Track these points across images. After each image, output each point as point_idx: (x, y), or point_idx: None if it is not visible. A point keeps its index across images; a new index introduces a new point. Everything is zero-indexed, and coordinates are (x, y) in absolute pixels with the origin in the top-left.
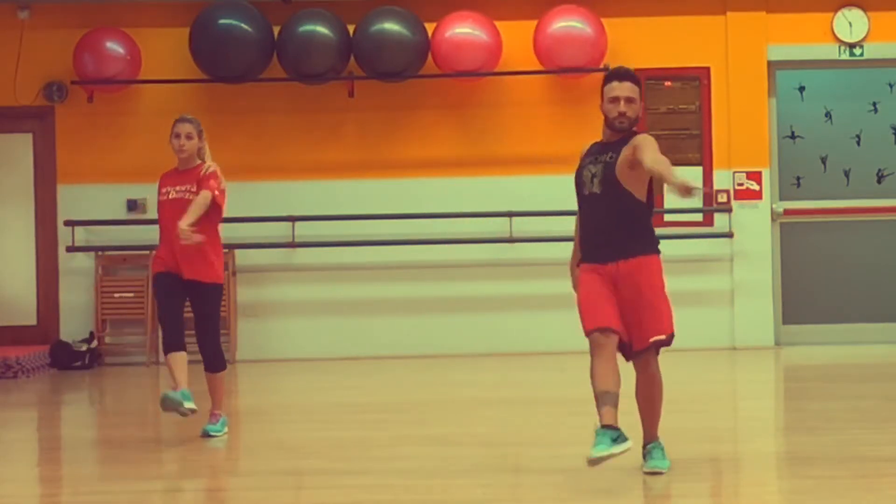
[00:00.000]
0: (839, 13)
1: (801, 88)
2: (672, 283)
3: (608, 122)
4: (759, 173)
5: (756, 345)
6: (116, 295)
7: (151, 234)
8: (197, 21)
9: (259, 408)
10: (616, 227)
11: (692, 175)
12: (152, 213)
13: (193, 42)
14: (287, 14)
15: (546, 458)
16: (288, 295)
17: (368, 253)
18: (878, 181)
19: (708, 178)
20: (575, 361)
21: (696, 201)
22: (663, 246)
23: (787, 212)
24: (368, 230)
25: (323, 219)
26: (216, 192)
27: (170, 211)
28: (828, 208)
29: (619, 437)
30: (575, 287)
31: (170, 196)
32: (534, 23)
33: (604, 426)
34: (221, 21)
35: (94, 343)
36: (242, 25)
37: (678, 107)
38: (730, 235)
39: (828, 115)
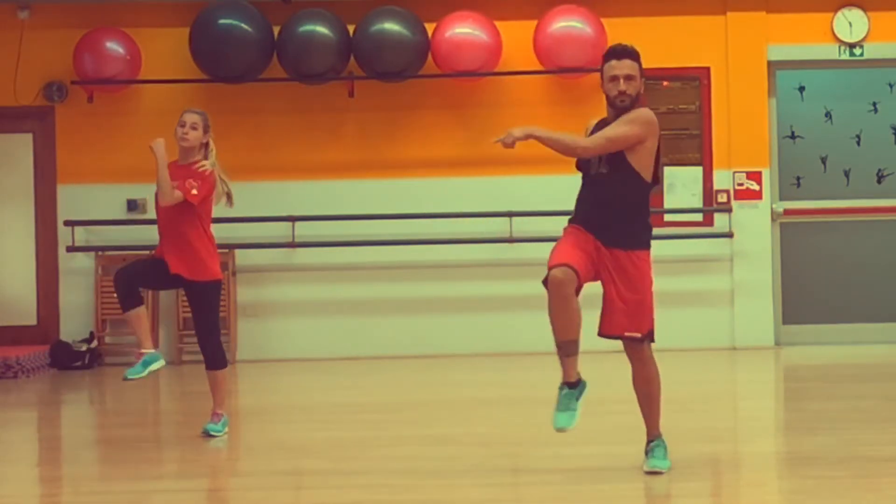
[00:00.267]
0: (839, 13)
1: (801, 88)
2: (672, 283)
3: (609, 101)
4: (759, 173)
5: (756, 345)
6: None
7: (151, 234)
8: (197, 21)
9: (259, 408)
10: (618, 214)
11: (692, 175)
12: (152, 213)
13: (193, 42)
14: (287, 14)
15: (546, 458)
16: (288, 295)
17: (368, 253)
18: (878, 181)
19: (708, 177)
20: None
21: (696, 201)
22: (663, 246)
23: (787, 212)
24: (368, 230)
25: (323, 219)
26: (191, 193)
27: (165, 209)
28: (828, 208)
29: (580, 393)
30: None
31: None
32: (534, 23)
33: (568, 384)
34: (221, 21)
35: (94, 343)
36: (242, 25)
37: (678, 107)
38: (730, 235)
39: (828, 115)
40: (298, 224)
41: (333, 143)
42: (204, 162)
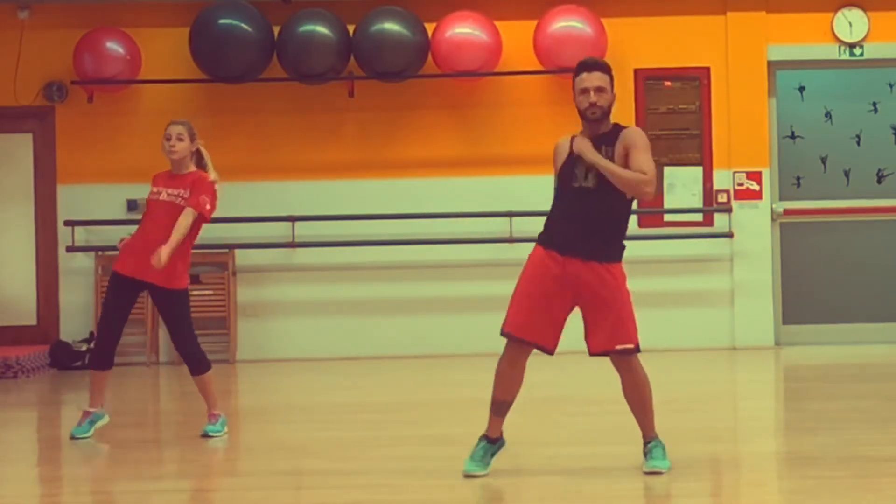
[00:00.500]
0: (839, 13)
1: (801, 88)
2: (672, 283)
3: (581, 114)
4: (759, 173)
5: (756, 345)
6: None
7: None
8: (197, 21)
9: (259, 408)
10: (598, 226)
11: (692, 175)
12: None
13: (193, 42)
14: (287, 14)
15: (546, 458)
16: (288, 295)
17: (368, 253)
18: (878, 181)
19: (708, 177)
20: (575, 361)
21: (696, 201)
22: (663, 246)
23: (787, 212)
24: (368, 230)
25: (323, 219)
26: (205, 208)
27: (158, 212)
28: (828, 208)
29: (497, 449)
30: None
31: (161, 197)
32: (534, 23)
33: (488, 438)
34: (221, 21)
35: (94, 343)
36: (242, 25)
37: (678, 107)
38: (730, 235)
39: (828, 115)
40: (298, 224)
41: (333, 143)
42: (215, 176)
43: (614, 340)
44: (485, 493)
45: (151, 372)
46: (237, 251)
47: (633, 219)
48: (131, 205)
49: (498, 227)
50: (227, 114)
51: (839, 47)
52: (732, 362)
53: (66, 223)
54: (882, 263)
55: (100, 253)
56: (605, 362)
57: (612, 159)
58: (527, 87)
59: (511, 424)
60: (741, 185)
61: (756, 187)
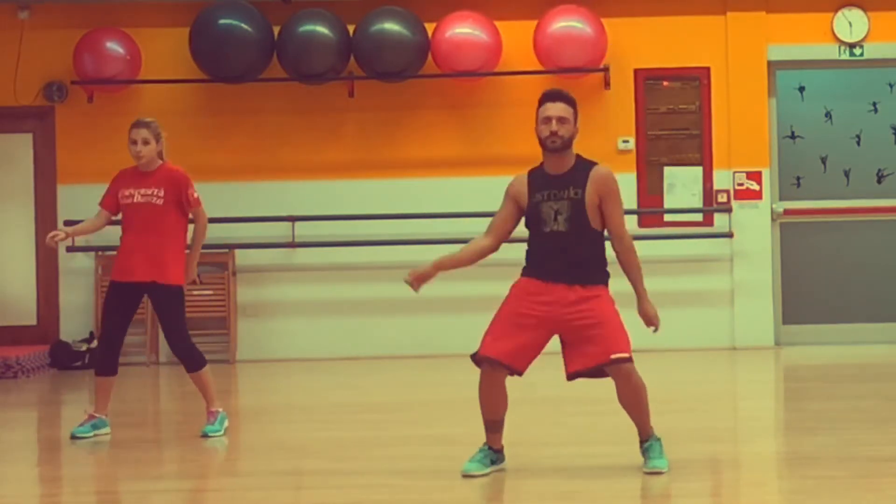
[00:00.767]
0: (839, 13)
1: (801, 88)
2: (672, 283)
3: (541, 143)
4: (759, 173)
5: (756, 345)
6: None
7: None
8: (197, 21)
9: (259, 408)
10: (577, 261)
11: (692, 175)
12: None
13: (193, 42)
14: (287, 14)
15: (546, 457)
16: (288, 295)
17: (369, 253)
18: (878, 181)
19: (708, 177)
20: None
21: (696, 201)
22: (663, 246)
23: (787, 212)
24: (368, 230)
25: (323, 219)
26: (196, 198)
27: (136, 216)
28: (828, 208)
29: (497, 459)
30: (413, 277)
31: (135, 199)
32: (534, 23)
33: (491, 448)
34: (221, 21)
35: (94, 343)
36: (242, 25)
37: (678, 107)
38: (730, 235)
39: (828, 115)
40: (298, 224)
41: (333, 143)
42: (175, 167)
43: (609, 351)
44: (485, 493)
45: (151, 372)
46: (237, 251)
47: (633, 219)
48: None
49: None
50: (227, 114)
51: (839, 47)
52: (732, 362)
53: (66, 223)
54: (882, 263)
55: (100, 253)
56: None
57: (581, 201)
58: (527, 87)
59: (511, 424)
60: (741, 185)
61: (756, 187)
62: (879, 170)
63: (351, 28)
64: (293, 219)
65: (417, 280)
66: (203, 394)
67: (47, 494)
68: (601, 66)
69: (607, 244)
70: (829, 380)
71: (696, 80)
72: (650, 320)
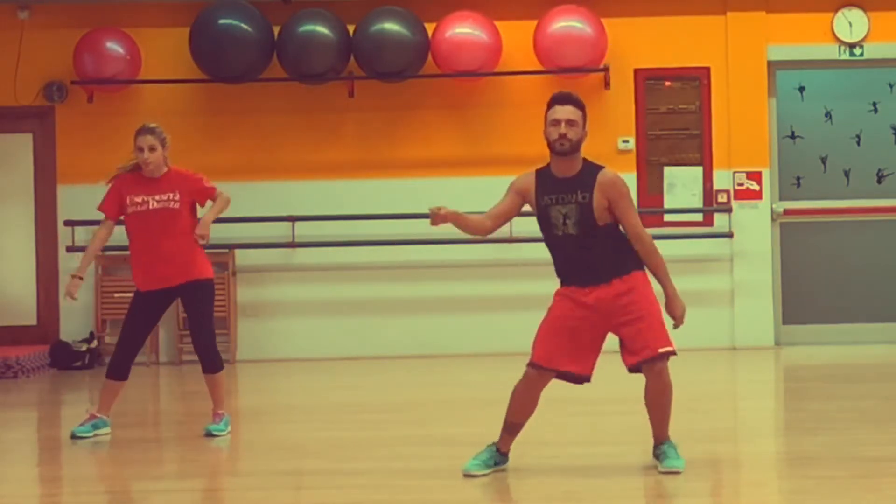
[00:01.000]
0: (839, 13)
1: (801, 88)
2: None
3: (550, 146)
4: (759, 173)
5: (756, 345)
6: (116, 295)
7: None
8: (197, 21)
9: (259, 408)
10: (601, 258)
11: (692, 175)
12: None
13: (193, 42)
14: (287, 14)
15: (546, 457)
16: (288, 295)
17: (368, 253)
18: (878, 181)
19: (708, 177)
20: None
21: (696, 201)
22: (663, 246)
23: (787, 212)
24: (368, 230)
25: (323, 219)
26: (210, 185)
27: (153, 221)
28: (828, 208)
29: (501, 461)
30: (437, 215)
31: (150, 206)
32: (534, 23)
33: (498, 449)
34: (221, 21)
35: (94, 343)
36: (242, 25)
37: (678, 107)
38: (730, 235)
39: (828, 115)
40: (298, 224)
41: (333, 143)
42: (185, 170)
43: (656, 345)
44: (485, 493)
45: (151, 372)
46: (237, 251)
47: None
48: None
49: None
50: (227, 114)
51: (839, 47)
52: (732, 362)
53: (66, 223)
54: (882, 263)
55: (100, 253)
56: (606, 362)
57: (589, 205)
58: (527, 87)
59: None
60: (741, 185)
61: (756, 187)
62: (879, 170)
63: (351, 28)
64: (293, 219)
65: (440, 217)
66: (213, 396)
67: (47, 494)
68: (601, 66)
69: None
70: (829, 380)
71: (696, 80)
72: (678, 320)
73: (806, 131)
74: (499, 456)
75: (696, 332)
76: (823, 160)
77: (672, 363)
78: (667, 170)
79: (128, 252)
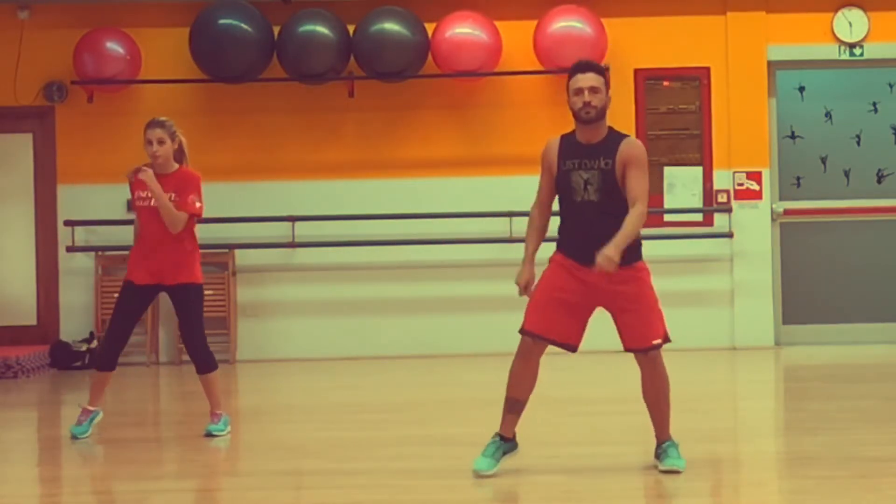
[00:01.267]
0: (839, 13)
1: (801, 88)
2: (672, 283)
3: (575, 115)
4: (759, 173)
5: (756, 345)
6: (116, 295)
7: None
8: (197, 21)
9: (259, 408)
10: (610, 233)
11: (692, 175)
12: None
13: (193, 42)
14: (287, 14)
15: (546, 457)
16: (288, 295)
17: (368, 253)
18: (878, 181)
19: (708, 177)
20: (575, 362)
21: (696, 201)
22: (663, 246)
23: (787, 212)
24: (368, 230)
25: (323, 219)
26: (195, 207)
27: (151, 217)
28: (828, 208)
29: (508, 449)
30: (522, 282)
31: (151, 203)
32: (534, 23)
33: (501, 436)
34: (221, 21)
35: (94, 343)
36: (242, 25)
37: (678, 107)
38: (730, 235)
39: (828, 115)
40: (298, 224)
41: (333, 143)
42: (193, 171)
43: (649, 337)
44: (485, 493)
45: (151, 372)
46: (237, 251)
47: None
48: (131, 205)
49: (498, 227)
50: (227, 114)
51: (839, 47)
52: (732, 362)
53: (66, 223)
54: (882, 263)
55: (100, 253)
56: (606, 362)
57: (612, 172)
58: (527, 87)
59: None
60: (741, 185)
61: (756, 187)
62: (879, 170)
63: (351, 28)
64: (293, 219)
65: (527, 289)
66: (209, 397)
67: (47, 494)
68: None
69: None
70: (829, 380)
71: (696, 80)
72: (602, 260)
73: (806, 131)
74: (504, 444)
75: (696, 332)
76: (823, 160)
77: (672, 363)
78: (667, 170)
79: (126, 253)
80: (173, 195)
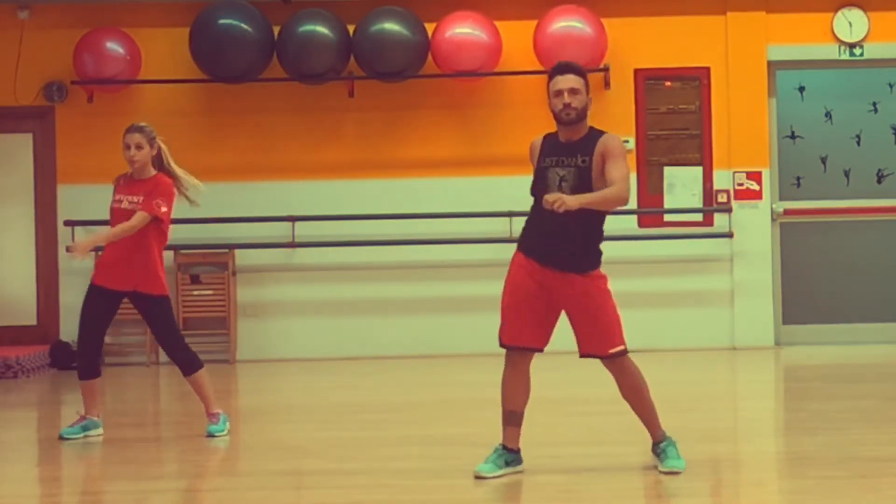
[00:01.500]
0: (839, 13)
1: (801, 88)
2: (672, 283)
3: (556, 117)
4: (759, 173)
5: (756, 345)
6: None
7: None
8: (197, 21)
9: (259, 408)
10: (575, 239)
11: (692, 175)
12: None
13: (193, 42)
14: (287, 14)
15: (546, 458)
16: (288, 295)
17: (368, 253)
18: (878, 181)
19: (708, 177)
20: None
21: (696, 201)
22: (663, 246)
23: (787, 212)
24: (368, 230)
25: (323, 219)
26: (160, 211)
27: (120, 220)
28: (828, 208)
29: (513, 461)
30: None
31: (122, 205)
32: (534, 23)
33: (504, 447)
34: (221, 21)
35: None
36: (242, 25)
37: (678, 107)
38: (730, 235)
39: (828, 115)
40: (298, 224)
41: (333, 143)
42: (181, 172)
43: (605, 346)
44: (485, 493)
45: (151, 372)
46: (237, 251)
47: (633, 219)
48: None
49: (498, 227)
50: (227, 114)
51: (839, 47)
52: (732, 362)
53: (66, 223)
54: (882, 263)
55: (100, 253)
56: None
57: (588, 170)
58: (527, 87)
59: None
60: (741, 185)
61: (756, 187)
62: (879, 170)
63: (351, 28)
64: (293, 219)
65: None
66: (201, 397)
67: (47, 494)
68: (601, 66)
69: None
70: (829, 380)
71: (696, 80)
72: (553, 198)
73: (806, 131)
74: (507, 454)
75: (696, 332)
76: (823, 160)
77: (672, 363)
78: (667, 170)
79: None
80: (141, 198)
